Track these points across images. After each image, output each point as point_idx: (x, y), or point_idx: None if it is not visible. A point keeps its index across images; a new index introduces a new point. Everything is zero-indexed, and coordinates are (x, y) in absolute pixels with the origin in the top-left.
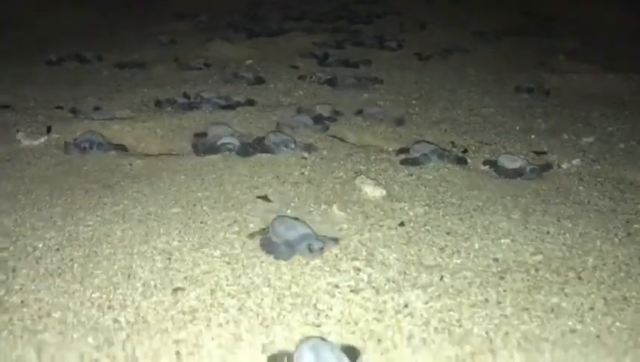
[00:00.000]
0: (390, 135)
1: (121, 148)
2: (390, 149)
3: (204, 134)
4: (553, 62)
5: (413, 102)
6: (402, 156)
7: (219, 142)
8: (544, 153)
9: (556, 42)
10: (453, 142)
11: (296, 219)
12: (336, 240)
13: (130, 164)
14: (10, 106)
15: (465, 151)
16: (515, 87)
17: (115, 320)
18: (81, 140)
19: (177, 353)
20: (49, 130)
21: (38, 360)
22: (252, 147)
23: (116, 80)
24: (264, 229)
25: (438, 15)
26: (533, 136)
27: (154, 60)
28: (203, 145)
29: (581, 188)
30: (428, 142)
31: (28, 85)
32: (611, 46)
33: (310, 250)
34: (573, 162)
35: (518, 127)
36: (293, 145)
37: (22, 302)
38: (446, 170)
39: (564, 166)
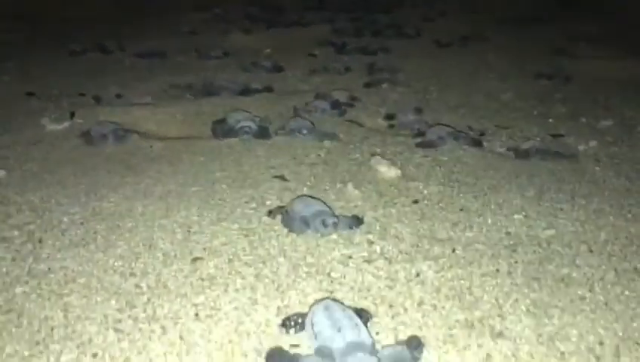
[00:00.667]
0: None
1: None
2: (407, 133)
3: (223, 120)
4: (574, 48)
5: (431, 88)
6: (419, 139)
7: (237, 126)
8: (561, 136)
9: (578, 28)
10: (470, 126)
11: (314, 198)
12: (360, 219)
13: (151, 146)
14: (35, 94)
15: (482, 134)
16: (534, 74)
17: (137, 286)
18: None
19: (196, 315)
20: (72, 115)
21: (64, 319)
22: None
23: (138, 69)
24: (283, 207)
25: (459, 2)
26: (551, 120)
27: (174, 50)
28: (222, 129)
29: (597, 168)
30: (444, 125)
31: (52, 74)
32: (635, 31)
33: (324, 224)
34: (591, 144)
35: (536, 112)
36: (310, 130)
37: (49, 269)
38: (462, 151)
39: (581, 148)
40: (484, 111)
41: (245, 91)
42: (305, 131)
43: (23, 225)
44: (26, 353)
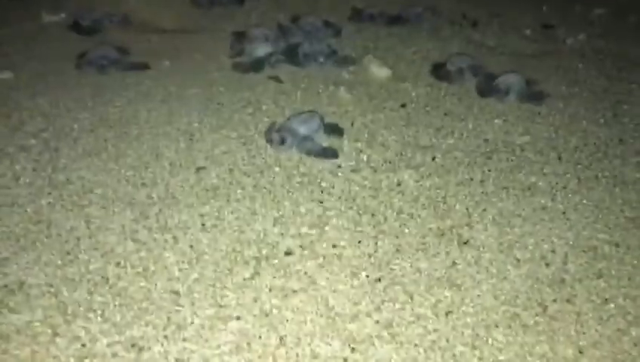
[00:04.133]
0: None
1: (142, 66)
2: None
3: (242, 34)
4: None
5: None
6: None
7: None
8: (552, 27)
9: None
10: (464, 15)
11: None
12: (335, 154)
13: (149, 40)
14: None
15: (474, 24)
16: None
17: (149, 196)
18: (96, 56)
19: (203, 225)
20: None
21: (88, 230)
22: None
23: None
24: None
25: None
26: (544, 8)
27: None
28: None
29: (581, 65)
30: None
31: None
32: None
33: (281, 140)
34: (579, 37)
35: None
36: (328, 55)
37: (67, 179)
38: (454, 47)
39: (568, 42)
40: None
41: None
42: (322, 59)
43: (37, 132)
44: (59, 262)
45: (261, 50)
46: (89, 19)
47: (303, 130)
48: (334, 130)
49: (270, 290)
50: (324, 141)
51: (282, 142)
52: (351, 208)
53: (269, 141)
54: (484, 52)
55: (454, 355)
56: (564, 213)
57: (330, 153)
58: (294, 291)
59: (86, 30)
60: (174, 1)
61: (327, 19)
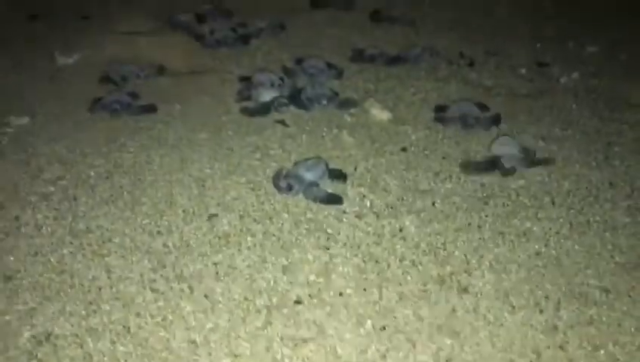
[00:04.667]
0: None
1: (151, 108)
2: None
3: (249, 79)
4: None
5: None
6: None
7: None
8: (546, 65)
9: None
10: (461, 53)
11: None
12: (339, 200)
13: (160, 83)
14: (38, 15)
15: (471, 64)
16: None
17: (165, 244)
18: (110, 101)
19: (216, 273)
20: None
21: (108, 279)
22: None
23: None
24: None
25: None
26: (539, 45)
27: None
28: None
29: (574, 105)
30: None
31: None
32: None
33: (289, 187)
34: (573, 76)
35: (526, 34)
36: (330, 99)
37: (87, 228)
38: (454, 86)
39: (562, 80)
40: (477, 34)
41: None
42: (324, 102)
43: (56, 179)
44: (83, 312)
45: (267, 95)
46: (118, 74)
47: (309, 176)
48: (338, 175)
49: (281, 339)
50: (329, 187)
51: (289, 188)
52: (356, 255)
53: (277, 187)
54: (481, 92)
55: None
56: (557, 258)
57: (335, 199)
58: (304, 340)
59: (117, 83)
60: (182, 42)
61: (329, 61)
